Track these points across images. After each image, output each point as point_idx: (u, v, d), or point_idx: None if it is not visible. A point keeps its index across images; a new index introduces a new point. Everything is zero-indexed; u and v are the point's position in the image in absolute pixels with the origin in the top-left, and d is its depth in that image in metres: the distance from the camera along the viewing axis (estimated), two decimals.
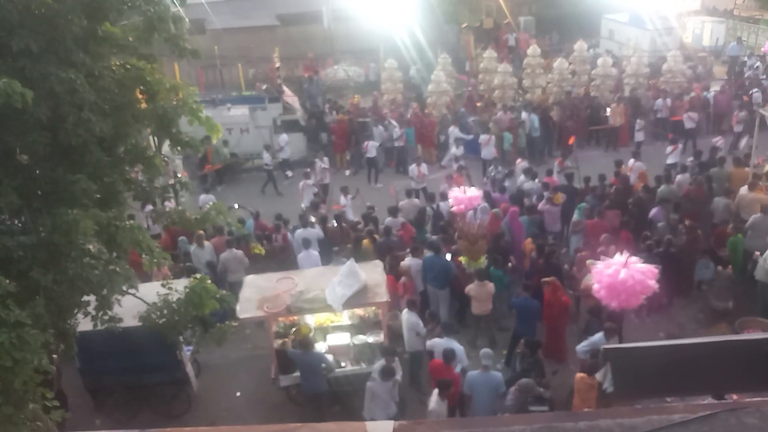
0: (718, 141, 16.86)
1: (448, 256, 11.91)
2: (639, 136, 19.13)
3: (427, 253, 11.72)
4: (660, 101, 20.56)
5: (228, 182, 19.83)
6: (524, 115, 19.96)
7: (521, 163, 16.68)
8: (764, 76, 23.43)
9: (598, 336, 9.27)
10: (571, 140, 16.55)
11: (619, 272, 9.35)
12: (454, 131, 19.27)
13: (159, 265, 7.60)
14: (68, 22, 5.93)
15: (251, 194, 18.02)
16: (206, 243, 12.93)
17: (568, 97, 21.48)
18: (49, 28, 5.91)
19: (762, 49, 26.22)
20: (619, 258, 9.66)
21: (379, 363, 9.09)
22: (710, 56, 27.79)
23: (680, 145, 17.48)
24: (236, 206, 15.12)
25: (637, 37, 25.86)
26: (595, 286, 9.64)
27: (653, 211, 13.19)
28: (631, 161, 16.05)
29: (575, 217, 13.34)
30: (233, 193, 17.87)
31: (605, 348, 3.67)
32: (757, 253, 11.52)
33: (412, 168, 17.12)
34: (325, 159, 18.18)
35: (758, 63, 24.83)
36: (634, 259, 9.62)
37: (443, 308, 11.64)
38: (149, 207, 11.60)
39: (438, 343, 9.63)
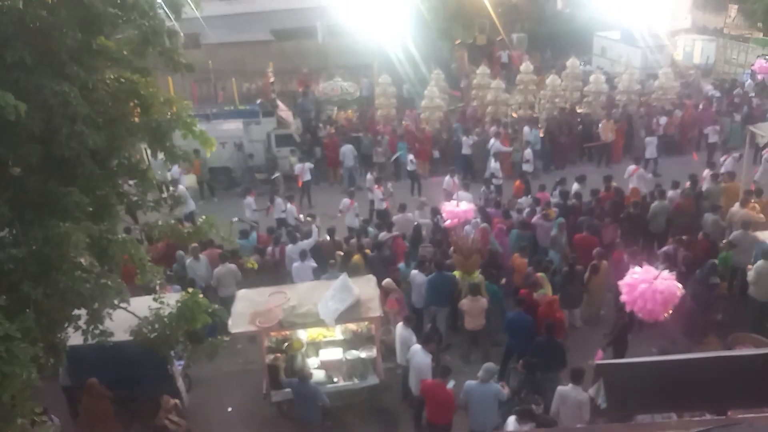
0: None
1: None
2: (650, 153, 19.28)
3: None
4: (663, 119, 20.75)
5: (220, 195, 19.81)
6: (526, 129, 20.09)
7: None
8: (752, 94, 23.69)
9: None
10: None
11: (651, 284, 9.51)
12: (495, 144, 19.31)
13: (148, 280, 7.54)
14: (62, 34, 5.95)
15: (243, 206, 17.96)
16: (201, 256, 12.89)
17: (561, 113, 21.65)
18: (43, 40, 5.92)
19: (751, 68, 26.53)
20: (648, 269, 9.81)
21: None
22: (699, 73, 28.14)
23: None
24: (236, 219, 15.10)
25: (629, 55, 26.12)
26: (629, 297, 9.73)
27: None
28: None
29: (553, 232, 13.31)
30: (232, 205, 17.77)
31: (598, 363, 3.67)
32: (749, 266, 11.59)
33: (447, 179, 17.16)
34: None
35: (749, 80, 25.10)
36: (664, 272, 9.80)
37: (441, 325, 11.57)
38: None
39: (416, 352, 9.51)
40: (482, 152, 19.64)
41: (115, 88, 6.77)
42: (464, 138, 20.16)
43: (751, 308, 11.37)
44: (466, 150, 20.03)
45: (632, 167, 16.57)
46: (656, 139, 19.54)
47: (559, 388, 8.47)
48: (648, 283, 9.60)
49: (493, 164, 18.31)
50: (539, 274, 11.36)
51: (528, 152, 19.09)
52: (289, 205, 16.12)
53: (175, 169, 17.08)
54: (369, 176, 17.48)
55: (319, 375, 10.11)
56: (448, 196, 15.72)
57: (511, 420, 8.06)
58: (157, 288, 11.30)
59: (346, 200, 15.87)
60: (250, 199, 16.44)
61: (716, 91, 24.68)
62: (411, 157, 19.27)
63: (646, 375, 3.38)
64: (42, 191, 6.13)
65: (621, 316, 10.38)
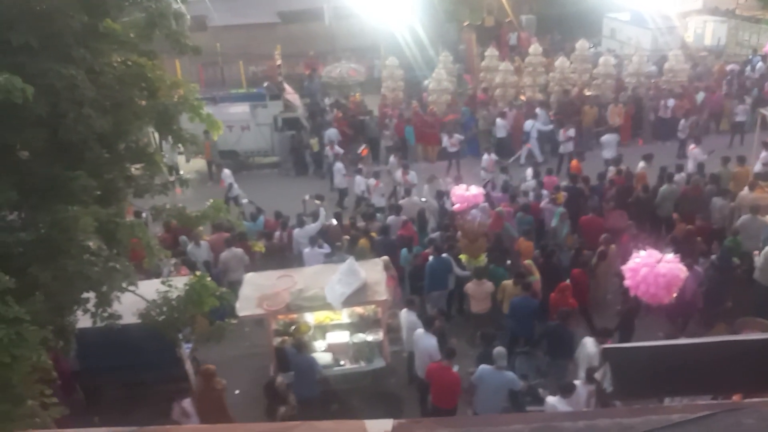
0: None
1: None
2: (682, 135, 19.01)
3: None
4: (662, 101, 20.52)
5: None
6: (538, 110, 20.00)
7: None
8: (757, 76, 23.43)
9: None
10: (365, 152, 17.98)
11: (653, 268, 9.51)
12: (537, 124, 19.28)
13: (157, 261, 7.56)
14: (68, 17, 5.92)
15: (251, 190, 17.97)
16: (203, 241, 12.93)
17: (566, 96, 21.48)
18: (48, 23, 5.89)
19: (764, 49, 26.18)
20: (651, 253, 9.79)
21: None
22: (712, 56, 27.80)
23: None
24: (246, 201, 15.14)
25: (639, 36, 25.87)
26: (632, 282, 9.74)
27: None
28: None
29: (553, 223, 13.19)
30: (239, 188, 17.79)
31: (605, 348, 3.67)
32: (756, 252, 11.52)
33: (485, 158, 17.18)
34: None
35: (760, 62, 24.79)
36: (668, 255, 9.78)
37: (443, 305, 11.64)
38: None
39: (420, 336, 9.54)
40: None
41: (121, 72, 6.74)
42: (499, 120, 19.90)
43: (757, 293, 11.33)
44: (501, 133, 19.86)
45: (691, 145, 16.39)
46: (616, 137, 18.47)
47: (548, 399, 8.40)
48: (650, 267, 9.58)
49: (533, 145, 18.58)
50: (526, 262, 11.33)
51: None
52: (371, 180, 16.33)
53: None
54: (392, 159, 17.51)
55: (326, 358, 10.16)
56: (487, 174, 15.85)
57: (552, 399, 8.15)
58: (173, 270, 11.48)
59: (371, 180, 16.08)
60: (339, 165, 17.49)
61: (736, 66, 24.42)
62: (454, 138, 19.08)
63: (652, 359, 3.38)
64: (49, 175, 6.14)
65: (627, 301, 10.37)
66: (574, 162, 16.31)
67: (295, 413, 9.00)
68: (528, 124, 19.42)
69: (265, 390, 9.67)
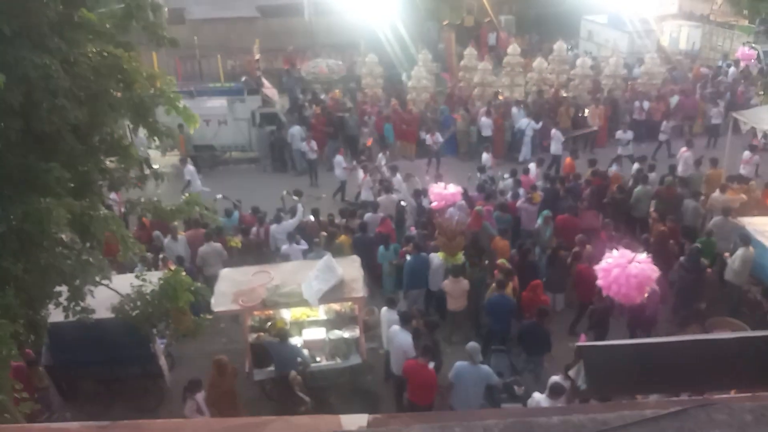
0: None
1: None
2: (663, 137, 19.18)
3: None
4: (637, 103, 20.81)
5: (206, 173, 19.67)
6: (514, 110, 20.11)
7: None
8: (730, 80, 23.83)
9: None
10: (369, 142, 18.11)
11: (624, 268, 9.63)
12: (531, 123, 19.44)
13: (130, 253, 7.47)
14: (43, 6, 5.83)
15: (228, 185, 17.85)
16: (180, 236, 12.82)
17: (540, 97, 21.67)
18: (23, 11, 5.79)
19: (736, 55, 26.67)
20: (624, 253, 9.92)
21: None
22: (686, 59, 28.25)
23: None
24: (220, 197, 15.02)
25: (616, 39, 26.14)
26: (604, 282, 9.85)
27: None
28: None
29: (538, 223, 13.21)
30: (215, 183, 17.66)
31: (579, 345, 3.72)
32: (726, 253, 11.73)
33: (485, 156, 17.31)
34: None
35: (732, 68, 25.23)
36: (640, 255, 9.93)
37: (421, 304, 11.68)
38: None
39: (396, 333, 9.53)
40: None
41: (97, 63, 6.65)
42: (483, 119, 19.92)
43: (730, 293, 11.55)
44: (486, 132, 19.90)
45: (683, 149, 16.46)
46: (560, 134, 18.56)
47: (535, 395, 8.44)
48: (621, 268, 9.71)
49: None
50: (499, 261, 11.41)
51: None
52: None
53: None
54: (381, 155, 17.60)
55: None
56: (483, 173, 16.15)
57: (539, 396, 8.18)
58: (160, 264, 11.40)
59: (360, 173, 16.14)
60: (339, 158, 17.45)
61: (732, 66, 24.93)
62: (436, 136, 19.15)
63: (625, 357, 3.43)
64: (22, 166, 6.04)
65: (600, 300, 10.50)
66: (568, 160, 16.43)
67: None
68: (524, 122, 19.54)
69: (272, 391, 9.69)
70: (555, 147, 18.33)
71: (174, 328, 8.73)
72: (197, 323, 8.05)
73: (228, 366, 9.15)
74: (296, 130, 19.58)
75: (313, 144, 18.82)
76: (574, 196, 14.10)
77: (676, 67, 25.50)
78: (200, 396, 8.86)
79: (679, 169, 15.54)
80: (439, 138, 19.19)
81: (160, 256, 12.14)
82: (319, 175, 19.03)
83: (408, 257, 11.66)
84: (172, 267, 10.43)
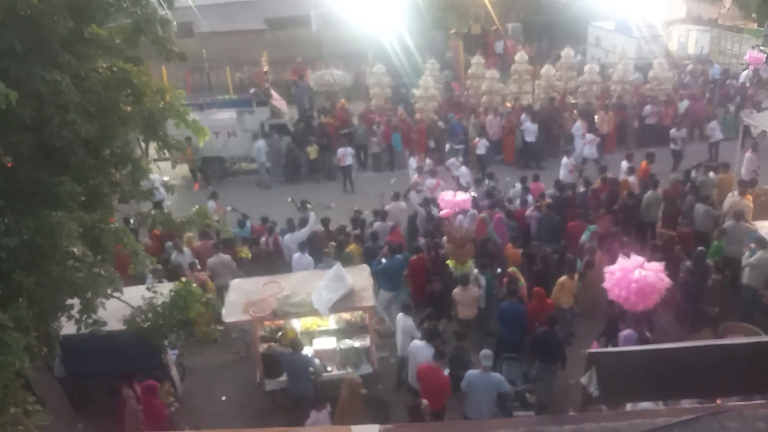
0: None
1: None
2: (674, 146, 18.71)
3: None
4: (648, 107, 20.68)
5: (215, 185, 19.76)
6: (523, 117, 20.09)
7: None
8: (748, 84, 23.72)
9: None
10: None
11: (627, 274, 9.62)
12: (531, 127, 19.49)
13: (142, 267, 7.53)
14: (54, 22, 5.90)
15: (238, 197, 17.92)
16: (186, 248, 12.86)
17: (549, 103, 21.63)
18: (34, 28, 5.86)
19: (744, 58, 26.55)
20: (635, 259, 9.87)
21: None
22: (696, 64, 28.12)
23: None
24: (230, 209, 15.08)
25: (624, 45, 26.09)
26: (608, 284, 9.83)
27: None
28: None
29: (584, 238, 12.74)
30: (225, 195, 17.71)
31: (590, 352, 3.70)
32: (747, 252, 11.58)
33: (413, 160, 17.44)
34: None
35: (744, 71, 25.07)
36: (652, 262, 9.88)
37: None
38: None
39: (421, 349, 9.45)
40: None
41: (107, 77, 6.72)
42: (528, 124, 19.73)
43: (744, 298, 11.42)
44: (529, 137, 19.72)
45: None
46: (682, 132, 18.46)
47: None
48: (625, 272, 9.66)
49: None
50: (510, 269, 11.36)
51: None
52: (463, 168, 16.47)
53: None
54: (412, 160, 17.73)
55: None
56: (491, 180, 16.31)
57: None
58: (187, 274, 11.43)
59: (431, 180, 16.04)
60: (412, 160, 17.79)
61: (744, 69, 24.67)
62: (484, 140, 19.11)
63: (637, 363, 3.40)
64: (34, 180, 6.10)
65: (611, 306, 10.43)
66: (644, 164, 16.13)
67: None
68: (575, 126, 19.38)
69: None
70: (589, 150, 18.41)
71: (195, 333, 8.75)
72: (207, 332, 8.08)
73: (361, 385, 9.25)
74: (261, 144, 19.53)
75: (350, 149, 19.01)
76: (583, 203, 14.05)
77: (686, 74, 25.32)
78: (324, 414, 8.82)
79: (742, 172, 15.22)
80: (485, 142, 19.15)
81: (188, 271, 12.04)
82: (323, 182, 19.30)
83: (383, 260, 11.65)
84: (205, 277, 10.50)
